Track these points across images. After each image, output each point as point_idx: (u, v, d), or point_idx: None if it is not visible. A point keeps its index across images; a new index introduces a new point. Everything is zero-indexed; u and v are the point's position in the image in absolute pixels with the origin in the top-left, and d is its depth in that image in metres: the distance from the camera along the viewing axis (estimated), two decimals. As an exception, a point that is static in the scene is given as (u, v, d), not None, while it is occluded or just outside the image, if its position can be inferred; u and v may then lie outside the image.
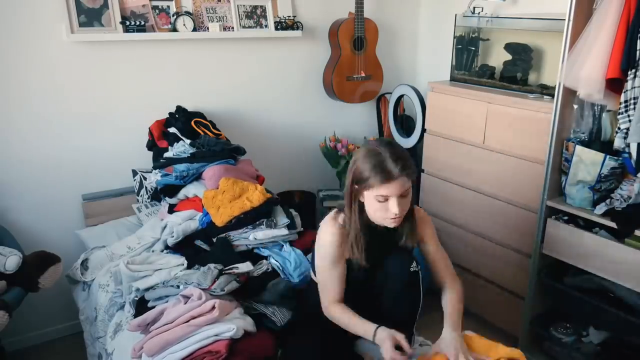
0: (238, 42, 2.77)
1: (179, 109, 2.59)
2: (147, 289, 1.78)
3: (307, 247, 1.97)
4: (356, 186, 1.49)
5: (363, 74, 3.02)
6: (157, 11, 2.48)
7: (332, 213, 1.61)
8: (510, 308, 2.49)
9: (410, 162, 1.46)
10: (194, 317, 1.54)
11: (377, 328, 1.47)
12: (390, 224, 1.51)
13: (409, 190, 1.48)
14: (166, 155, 2.39)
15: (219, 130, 2.57)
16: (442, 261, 1.69)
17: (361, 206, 1.53)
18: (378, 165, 1.43)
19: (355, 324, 1.53)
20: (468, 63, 2.76)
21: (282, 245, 2.02)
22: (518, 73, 2.51)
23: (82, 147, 2.47)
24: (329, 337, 1.60)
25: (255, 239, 2.00)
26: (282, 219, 2.07)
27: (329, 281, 1.59)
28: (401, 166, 1.42)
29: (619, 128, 1.87)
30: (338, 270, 1.58)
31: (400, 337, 1.43)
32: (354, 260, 1.56)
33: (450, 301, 1.63)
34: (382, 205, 1.46)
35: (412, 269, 1.56)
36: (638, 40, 1.77)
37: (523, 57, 2.49)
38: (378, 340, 1.46)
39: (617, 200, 1.99)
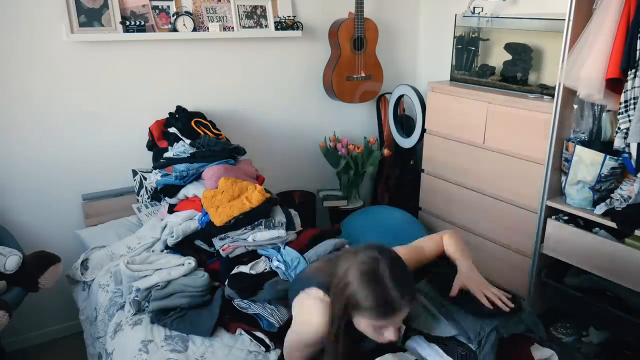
0: (238, 42, 2.77)
1: (179, 109, 2.59)
2: (148, 289, 1.78)
3: (302, 248, 1.96)
4: (349, 310, 1.26)
5: (363, 74, 3.02)
6: (157, 11, 2.48)
7: (316, 292, 1.38)
8: (510, 308, 2.49)
9: (413, 281, 1.27)
10: None
11: None
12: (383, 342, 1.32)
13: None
14: (166, 155, 2.39)
15: (219, 130, 2.57)
16: (423, 250, 1.56)
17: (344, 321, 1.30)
18: (380, 298, 1.19)
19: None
20: (468, 63, 2.76)
21: (280, 247, 2.02)
22: (518, 73, 2.51)
23: (82, 147, 2.47)
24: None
25: (254, 240, 2.00)
26: (281, 219, 2.06)
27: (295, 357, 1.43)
28: (407, 297, 1.21)
29: (619, 128, 1.87)
30: (310, 350, 1.40)
31: None
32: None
33: (449, 244, 1.56)
34: (376, 330, 1.27)
35: None
36: (638, 40, 1.77)
37: (523, 57, 2.49)
38: None
39: (617, 200, 1.99)
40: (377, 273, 1.21)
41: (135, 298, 1.80)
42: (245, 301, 1.75)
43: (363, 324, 1.26)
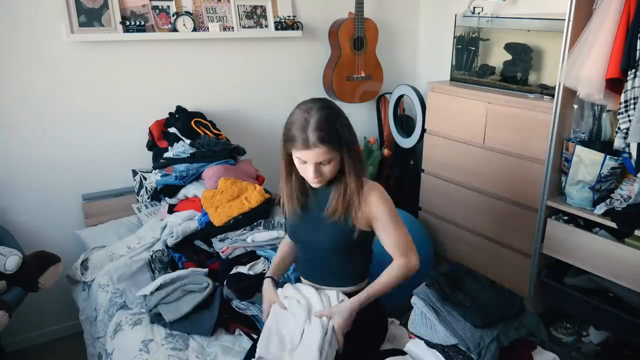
0: (238, 42, 2.77)
1: (179, 109, 2.59)
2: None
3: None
4: (286, 145, 1.48)
5: (363, 74, 3.02)
6: (157, 11, 2.48)
7: None
8: (510, 308, 2.49)
9: (335, 130, 1.41)
10: None
11: (266, 277, 1.64)
12: (313, 184, 1.50)
13: (333, 159, 1.44)
14: (166, 155, 2.39)
15: (219, 130, 2.57)
16: (390, 241, 1.54)
17: (290, 164, 1.53)
18: (299, 129, 1.41)
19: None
20: (468, 63, 2.76)
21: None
22: (518, 73, 2.51)
23: (82, 147, 2.47)
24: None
25: (253, 241, 2.00)
26: (280, 219, 2.06)
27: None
28: (319, 136, 1.38)
29: (619, 128, 1.87)
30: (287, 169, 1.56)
31: (275, 299, 1.57)
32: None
33: (384, 273, 1.55)
34: (303, 167, 1.47)
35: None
36: (638, 40, 1.77)
37: (523, 57, 2.49)
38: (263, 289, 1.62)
39: (617, 200, 1.99)
40: (307, 112, 1.42)
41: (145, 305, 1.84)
42: (244, 302, 1.75)
43: (296, 160, 1.47)
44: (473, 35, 2.73)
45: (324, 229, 1.53)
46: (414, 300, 1.57)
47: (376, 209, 1.51)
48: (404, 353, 1.48)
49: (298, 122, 1.42)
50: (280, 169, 1.56)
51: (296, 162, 1.48)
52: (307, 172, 1.46)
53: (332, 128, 1.41)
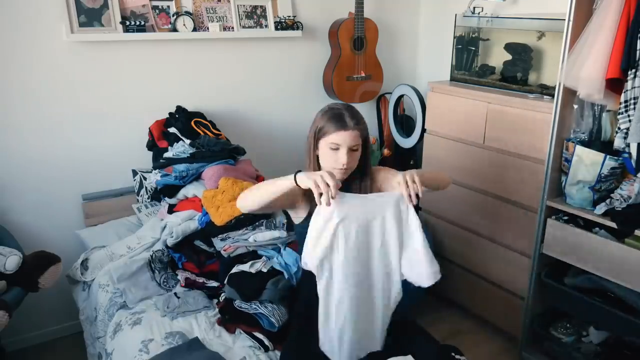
0: (238, 42, 2.77)
1: (179, 109, 2.59)
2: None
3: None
4: (315, 135, 1.57)
5: (363, 74, 3.02)
6: (157, 11, 2.48)
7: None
8: (510, 308, 2.49)
9: (364, 122, 1.58)
10: None
11: (297, 172, 1.44)
12: (338, 174, 1.53)
13: (359, 148, 1.56)
14: (166, 155, 2.39)
15: (218, 130, 2.57)
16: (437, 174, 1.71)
17: (317, 161, 1.61)
18: (335, 116, 1.53)
19: (272, 182, 1.48)
20: (468, 63, 2.76)
21: (280, 248, 2.02)
22: (518, 73, 2.51)
23: (82, 147, 2.47)
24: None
25: (255, 240, 2.00)
26: (282, 219, 2.07)
27: (263, 185, 1.52)
28: (355, 121, 1.53)
29: (619, 128, 1.87)
30: (287, 192, 1.48)
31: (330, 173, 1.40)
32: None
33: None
34: (333, 154, 1.53)
35: None
36: (638, 40, 1.77)
37: (523, 57, 2.49)
38: (300, 179, 1.41)
39: (617, 200, 1.99)
40: (337, 106, 1.58)
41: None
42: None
43: (323, 148, 1.55)
44: (473, 35, 2.73)
45: None
46: None
47: (391, 175, 1.61)
48: (405, 353, 1.48)
49: (332, 112, 1.55)
50: (306, 169, 1.61)
51: (325, 152, 1.55)
52: (339, 158, 1.53)
53: (363, 119, 1.58)
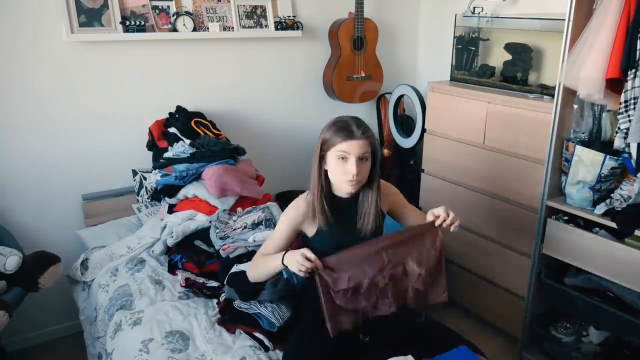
0: (238, 42, 2.77)
1: (179, 109, 2.59)
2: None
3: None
4: (321, 149, 1.57)
5: (363, 74, 3.02)
6: (157, 11, 2.48)
7: (303, 194, 1.68)
8: (510, 308, 2.49)
9: (372, 132, 1.57)
10: None
11: (285, 252, 1.54)
12: (349, 187, 1.55)
13: (369, 158, 1.55)
14: (166, 155, 2.39)
15: (219, 130, 2.58)
16: (416, 213, 1.79)
17: (326, 174, 1.60)
18: (341, 127, 1.53)
19: (266, 260, 1.61)
20: (468, 63, 2.76)
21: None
22: (518, 73, 2.51)
23: (82, 146, 2.47)
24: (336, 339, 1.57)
25: (255, 240, 2.00)
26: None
27: (271, 239, 1.66)
28: (362, 130, 1.53)
29: (619, 128, 1.87)
30: (286, 235, 1.64)
31: (306, 250, 1.47)
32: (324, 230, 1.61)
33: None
34: (342, 165, 1.53)
35: None
36: (638, 40, 1.77)
37: (523, 57, 2.49)
38: (286, 260, 1.50)
39: (617, 200, 1.99)
40: (343, 118, 1.58)
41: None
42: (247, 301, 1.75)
43: (331, 160, 1.54)
44: (473, 35, 2.73)
45: (363, 234, 1.64)
46: None
47: (397, 198, 1.75)
48: (405, 353, 1.48)
49: (340, 124, 1.54)
50: (312, 184, 1.61)
51: (334, 165, 1.54)
52: (348, 168, 1.52)
53: (370, 130, 1.57)
